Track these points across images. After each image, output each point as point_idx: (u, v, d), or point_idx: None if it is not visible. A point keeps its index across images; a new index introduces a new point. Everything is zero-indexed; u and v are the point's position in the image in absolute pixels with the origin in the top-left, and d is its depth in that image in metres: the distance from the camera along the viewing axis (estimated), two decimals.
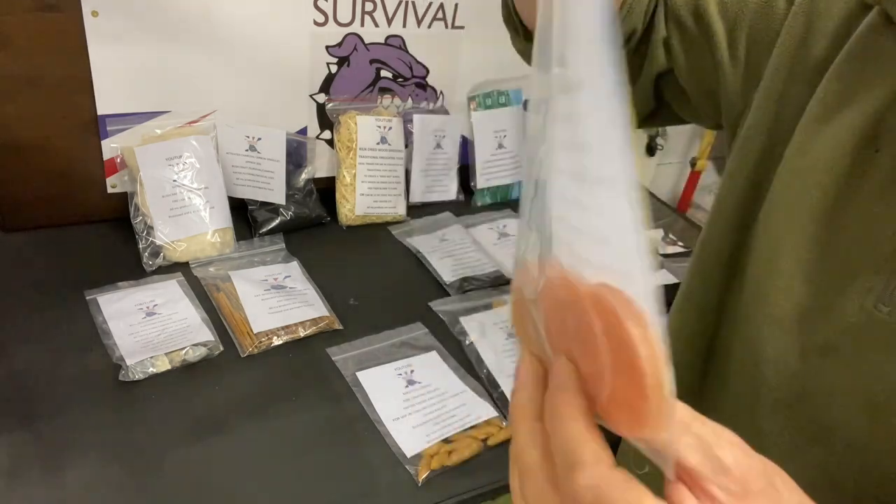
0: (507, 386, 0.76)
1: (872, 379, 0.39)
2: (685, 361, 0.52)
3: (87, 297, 0.83)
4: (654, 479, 0.57)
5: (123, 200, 0.94)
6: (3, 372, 0.71)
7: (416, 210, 1.14)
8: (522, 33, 0.54)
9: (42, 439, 0.65)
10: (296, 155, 1.06)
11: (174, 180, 0.92)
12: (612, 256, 0.25)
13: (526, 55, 0.56)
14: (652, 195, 1.42)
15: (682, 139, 1.75)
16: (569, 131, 0.25)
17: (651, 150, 1.66)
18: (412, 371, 0.78)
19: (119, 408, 0.69)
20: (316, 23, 0.99)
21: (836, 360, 0.41)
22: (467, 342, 0.84)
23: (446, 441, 0.69)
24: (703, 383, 0.52)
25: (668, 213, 1.28)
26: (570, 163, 0.26)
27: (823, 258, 0.41)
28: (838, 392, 0.41)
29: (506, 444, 0.71)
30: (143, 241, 0.91)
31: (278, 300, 0.86)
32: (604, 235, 0.25)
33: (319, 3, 0.98)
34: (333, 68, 1.05)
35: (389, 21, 1.05)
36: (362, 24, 1.03)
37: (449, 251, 1.02)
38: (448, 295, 0.94)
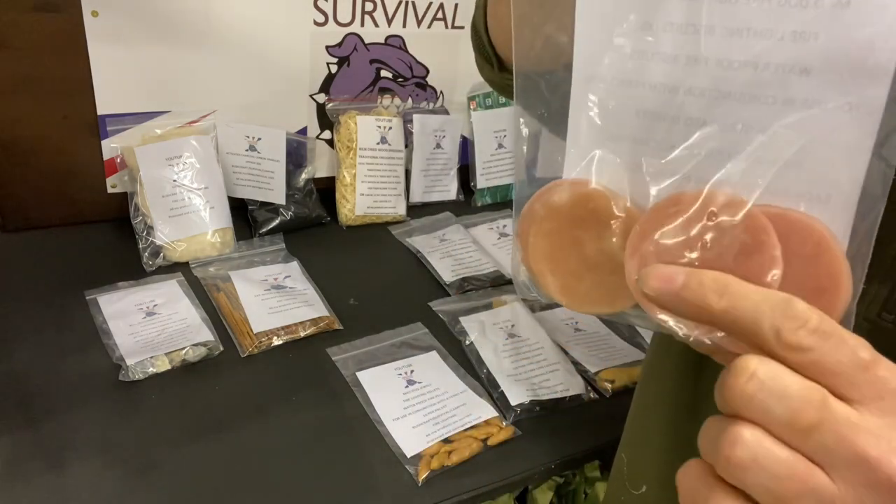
0: (507, 386, 0.77)
1: None
2: (679, 373, 0.51)
3: (87, 297, 0.83)
4: (650, 499, 0.57)
5: (123, 200, 0.94)
6: (3, 372, 0.71)
7: (416, 210, 1.14)
8: (497, 65, 0.52)
9: (42, 439, 0.65)
10: (296, 155, 1.06)
11: (174, 180, 0.92)
12: (803, 182, 0.26)
13: (495, 84, 0.55)
14: None
15: None
16: (789, 49, 0.25)
17: None
18: (412, 371, 0.78)
19: (119, 408, 0.69)
20: (316, 23, 0.99)
21: None
22: (467, 342, 0.84)
23: (446, 441, 0.69)
24: (697, 396, 0.51)
25: None
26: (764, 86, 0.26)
27: None
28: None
29: (506, 443, 0.71)
30: (143, 241, 0.91)
31: (278, 300, 0.86)
32: (796, 160, 0.26)
33: (319, 3, 0.98)
34: (333, 68, 1.05)
35: (389, 21, 1.05)
36: (362, 24, 1.03)
37: (449, 251, 1.02)
38: (448, 295, 0.94)
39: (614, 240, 0.30)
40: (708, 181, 0.27)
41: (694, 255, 0.27)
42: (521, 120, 0.33)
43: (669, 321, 0.28)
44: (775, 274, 0.26)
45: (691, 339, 0.28)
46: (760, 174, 0.27)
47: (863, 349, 0.25)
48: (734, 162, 0.27)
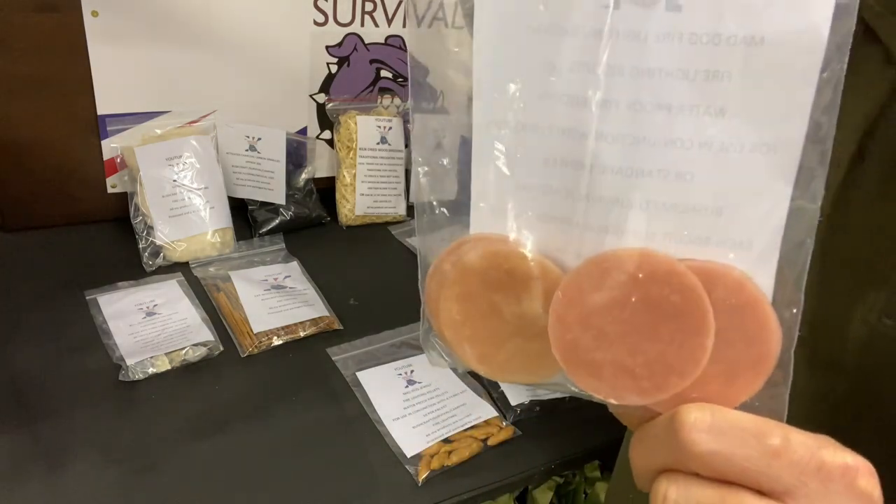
0: (507, 386, 0.76)
1: (877, 393, 0.39)
2: None
3: (87, 297, 0.83)
4: None
5: (123, 200, 0.94)
6: (3, 372, 0.71)
7: None
8: None
9: (42, 439, 0.65)
10: (296, 155, 1.06)
11: (174, 180, 0.92)
12: (723, 228, 0.25)
13: None
14: None
15: None
16: (695, 91, 0.24)
17: None
18: (412, 371, 0.78)
19: (119, 408, 0.69)
20: (316, 23, 0.99)
21: (840, 374, 0.40)
22: None
23: (446, 441, 0.69)
24: None
25: None
26: (675, 129, 0.24)
27: (826, 274, 0.41)
28: (843, 407, 0.40)
29: (506, 443, 0.71)
30: (143, 241, 0.91)
31: (278, 300, 0.86)
32: (715, 206, 0.25)
33: (319, 3, 0.98)
34: (333, 68, 1.05)
35: (389, 21, 1.05)
36: (362, 24, 1.03)
37: None
38: None
39: (537, 302, 0.27)
40: (626, 232, 0.26)
41: (622, 320, 0.26)
42: (420, 161, 0.30)
43: (600, 394, 0.27)
44: (709, 334, 0.25)
45: (623, 409, 0.28)
46: (680, 223, 0.25)
47: (771, 435, 0.24)
48: (652, 211, 0.25)
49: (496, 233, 0.28)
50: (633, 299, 0.25)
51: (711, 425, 0.24)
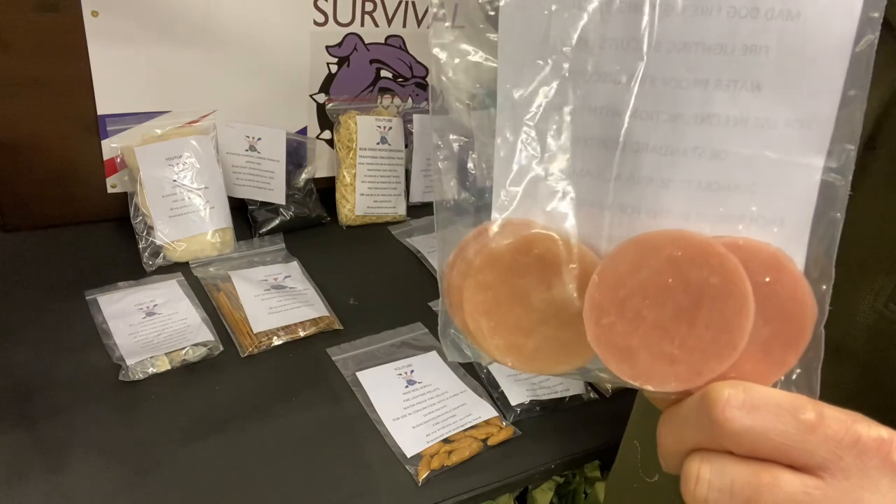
0: (506, 386, 0.76)
1: (885, 380, 0.39)
2: None
3: (87, 297, 0.83)
4: (664, 488, 0.57)
5: (123, 200, 0.94)
6: (3, 372, 0.71)
7: (416, 210, 1.14)
8: None
9: (42, 439, 0.65)
10: (296, 155, 1.06)
11: (174, 180, 0.92)
12: (756, 205, 0.25)
13: None
14: None
15: None
16: (733, 68, 0.24)
17: None
18: (412, 371, 0.78)
19: (119, 408, 0.69)
20: (316, 23, 0.99)
21: (848, 361, 0.40)
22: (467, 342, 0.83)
23: (446, 441, 0.69)
24: None
25: None
26: (712, 106, 0.24)
27: (834, 261, 0.41)
28: (851, 394, 0.40)
29: (506, 443, 0.71)
30: (143, 241, 0.91)
31: (278, 300, 0.86)
32: (749, 183, 0.25)
33: (319, 3, 0.98)
34: (333, 68, 1.05)
35: (389, 21, 1.05)
36: (362, 24, 1.03)
37: None
38: None
39: (569, 287, 0.26)
40: (661, 213, 0.25)
41: (661, 303, 0.25)
42: (440, 143, 0.30)
43: (636, 381, 0.26)
44: (749, 317, 0.25)
45: (659, 394, 0.27)
46: (714, 202, 0.25)
47: (805, 410, 0.24)
48: (687, 190, 0.25)
49: (521, 217, 0.27)
50: (672, 282, 0.25)
51: (744, 402, 0.24)
